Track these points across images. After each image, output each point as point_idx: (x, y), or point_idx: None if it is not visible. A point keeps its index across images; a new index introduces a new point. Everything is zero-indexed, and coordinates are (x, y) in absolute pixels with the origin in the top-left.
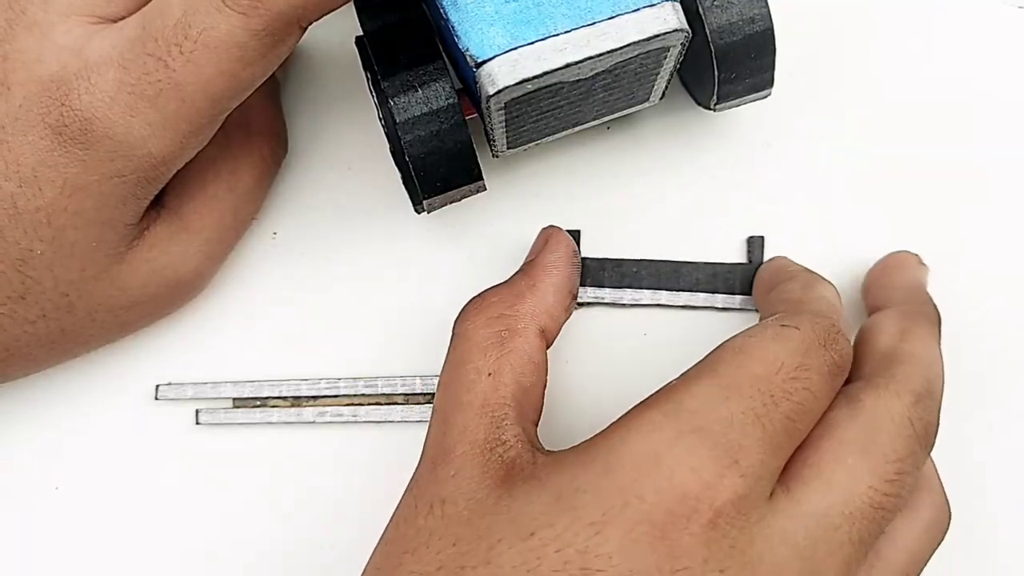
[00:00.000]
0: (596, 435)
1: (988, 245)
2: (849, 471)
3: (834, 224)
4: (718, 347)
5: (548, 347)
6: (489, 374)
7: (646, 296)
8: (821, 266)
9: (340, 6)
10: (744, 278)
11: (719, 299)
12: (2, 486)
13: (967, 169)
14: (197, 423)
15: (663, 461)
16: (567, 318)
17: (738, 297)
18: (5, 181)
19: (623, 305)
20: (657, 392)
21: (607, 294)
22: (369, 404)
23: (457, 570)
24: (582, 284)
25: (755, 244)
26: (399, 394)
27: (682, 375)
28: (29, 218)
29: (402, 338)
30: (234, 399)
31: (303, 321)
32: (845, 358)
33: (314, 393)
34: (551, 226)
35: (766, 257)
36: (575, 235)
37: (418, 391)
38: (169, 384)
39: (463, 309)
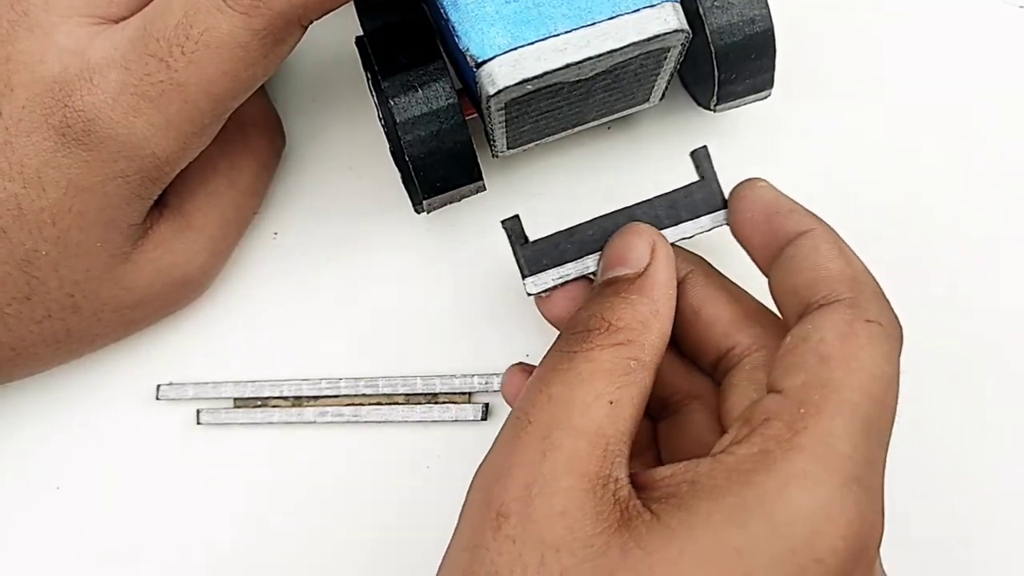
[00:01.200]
0: (715, 477)
1: (989, 245)
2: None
3: (834, 224)
4: (816, 355)
5: None
6: (610, 402)
7: None
8: None
9: (340, 5)
10: (704, 196)
11: (687, 228)
12: (3, 486)
13: (967, 168)
14: (198, 423)
15: (836, 521)
16: None
17: (704, 219)
18: (9, 182)
19: (588, 277)
20: (793, 429)
21: (571, 269)
22: (370, 404)
23: None
24: (540, 270)
25: (701, 157)
26: (400, 394)
27: (800, 399)
28: (34, 219)
29: (403, 338)
30: (235, 399)
31: (304, 321)
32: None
33: (315, 393)
34: (636, 225)
35: (716, 167)
36: (515, 222)
37: (419, 391)
38: (170, 384)
39: (577, 328)
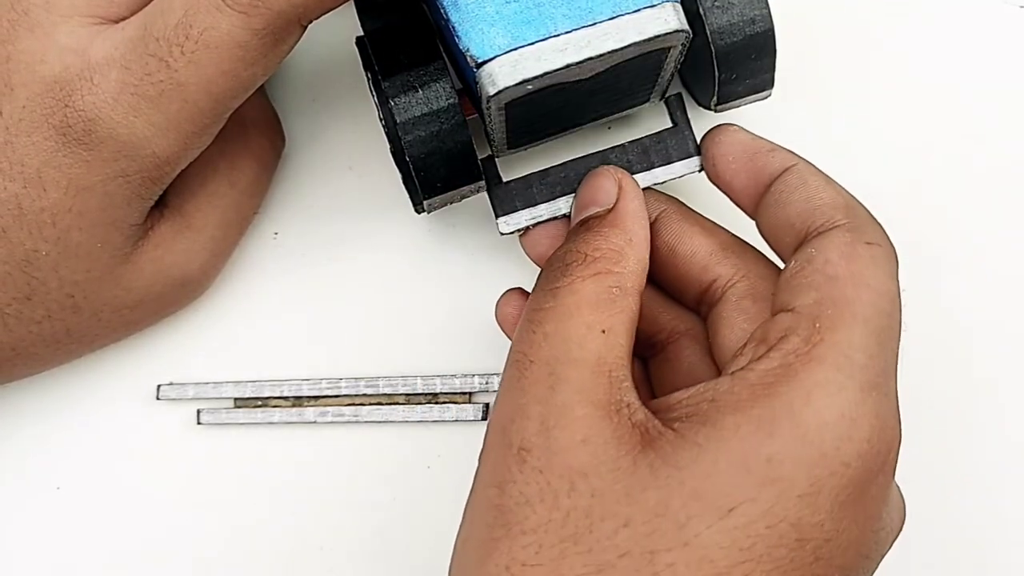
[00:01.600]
0: (738, 392)
1: (990, 244)
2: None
3: None
4: (823, 275)
5: None
6: (603, 331)
7: None
8: None
9: (340, 5)
10: (676, 143)
11: (659, 173)
12: (4, 486)
13: (968, 169)
14: (198, 423)
15: (859, 425)
16: None
17: (676, 165)
18: (10, 182)
19: (565, 216)
20: (810, 343)
21: (543, 210)
22: (370, 404)
23: (648, 555)
24: (512, 210)
25: (674, 104)
26: (400, 394)
27: (815, 315)
28: (34, 219)
29: (403, 338)
30: (235, 399)
31: (304, 321)
32: None
33: (315, 393)
34: (601, 167)
35: (690, 113)
36: (488, 162)
37: (419, 391)
38: (170, 384)
39: (554, 265)
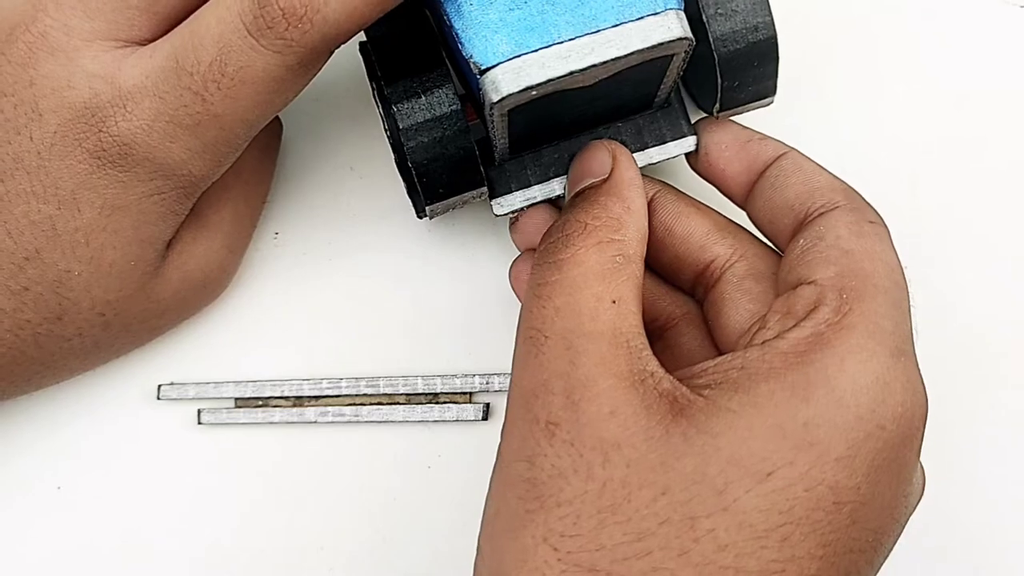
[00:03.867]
0: (771, 360)
1: (990, 244)
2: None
3: None
4: (838, 250)
5: None
6: (613, 301)
7: None
8: None
9: (366, 26)
10: (669, 123)
11: (653, 153)
12: (4, 486)
13: (968, 169)
14: (199, 423)
15: (892, 388)
16: None
17: (670, 145)
18: (44, 204)
19: (560, 197)
20: (839, 312)
21: (537, 192)
22: (371, 404)
23: (688, 522)
24: (507, 192)
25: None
26: (400, 394)
27: (839, 287)
28: (68, 239)
29: (404, 338)
30: (236, 399)
31: (305, 321)
32: None
33: (316, 393)
34: (594, 141)
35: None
36: (482, 143)
37: (420, 391)
38: (171, 384)
39: (554, 237)
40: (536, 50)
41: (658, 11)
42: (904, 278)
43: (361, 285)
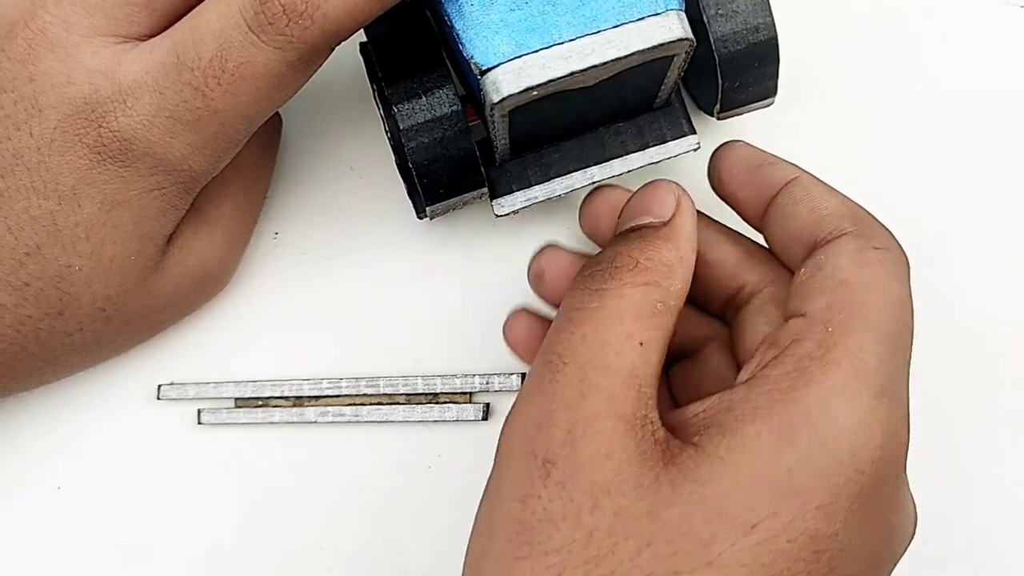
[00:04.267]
0: (756, 399)
1: (990, 244)
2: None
3: None
4: (834, 280)
5: None
6: (640, 343)
7: (578, 179)
8: None
9: (367, 23)
10: (669, 122)
11: (653, 153)
12: (4, 486)
13: (968, 169)
14: (199, 423)
15: (873, 432)
16: None
17: (671, 144)
18: (44, 200)
19: (559, 198)
20: (824, 347)
21: (539, 191)
22: (371, 404)
23: None
24: (508, 192)
25: None
26: (400, 394)
27: (826, 319)
28: (68, 234)
29: (403, 338)
30: (236, 399)
31: (305, 321)
32: None
33: (316, 393)
34: (661, 181)
35: (694, 120)
36: (484, 143)
37: (420, 391)
38: (171, 384)
39: (603, 266)
40: (537, 51)
41: (659, 12)
42: (905, 308)
43: (361, 285)
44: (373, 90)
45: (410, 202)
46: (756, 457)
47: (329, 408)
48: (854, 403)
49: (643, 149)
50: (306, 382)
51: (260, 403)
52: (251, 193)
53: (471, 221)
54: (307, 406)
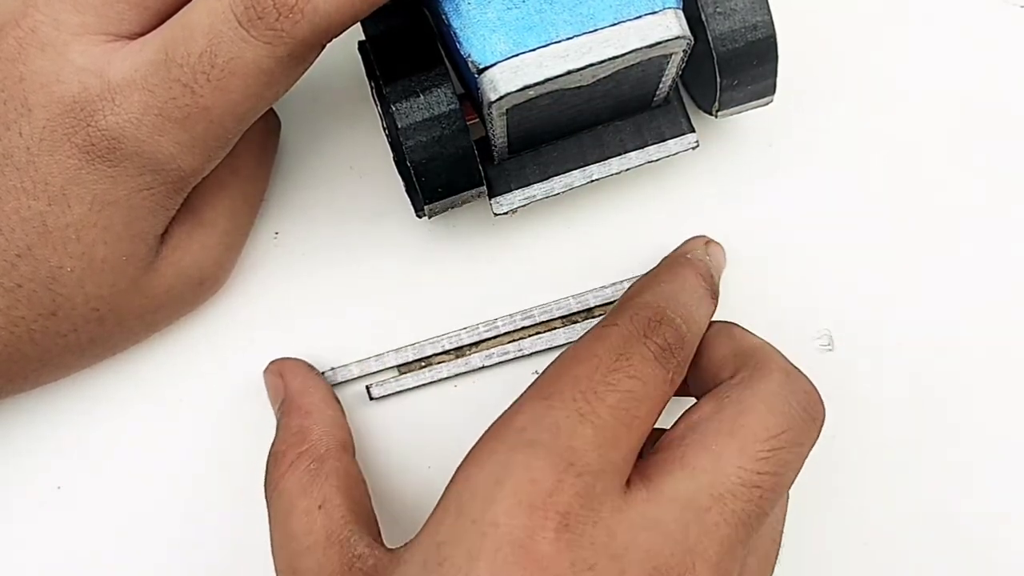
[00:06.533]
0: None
1: (990, 244)
2: (714, 455)
3: (837, 227)
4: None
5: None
6: (320, 506)
7: (577, 177)
8: (821, 266)
9: (358, 20)
10: (667, 120)
11: (652, 151)
12: (4, 486)
13: (968, 169)
14: (371, 399)
15: (504, 483)
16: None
17: (670, 143)
18: (34, 200)
19: (558, 195)
20: (492, 425)
21: (537, 190)
22: (531, 335)
23: None
24: (507, 191)
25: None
26: (556, 318)
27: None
28: (59, 235)
29: (404, 337)
30: (398, 366)
31: (305, 321)
32: (674, 339)
33: (475, 339)
34: (269, 367)
35: (693, 117)
36: (481, 143)
37: (574, 310)
38: (332, 369)
39: (264, 480)
40: (534, 49)
41: (656, 10)
42: (605, 373)
43: (360, 284)
44: (371, 89)
45: (409, 200)
46: (420, 546)
47: (492, 350)
48: (489, 461)
49: (642, 147)
50: (463, 331)
51: (423, 364)
52: (248, 195)
53: (470, 220)
54: (470, 354)
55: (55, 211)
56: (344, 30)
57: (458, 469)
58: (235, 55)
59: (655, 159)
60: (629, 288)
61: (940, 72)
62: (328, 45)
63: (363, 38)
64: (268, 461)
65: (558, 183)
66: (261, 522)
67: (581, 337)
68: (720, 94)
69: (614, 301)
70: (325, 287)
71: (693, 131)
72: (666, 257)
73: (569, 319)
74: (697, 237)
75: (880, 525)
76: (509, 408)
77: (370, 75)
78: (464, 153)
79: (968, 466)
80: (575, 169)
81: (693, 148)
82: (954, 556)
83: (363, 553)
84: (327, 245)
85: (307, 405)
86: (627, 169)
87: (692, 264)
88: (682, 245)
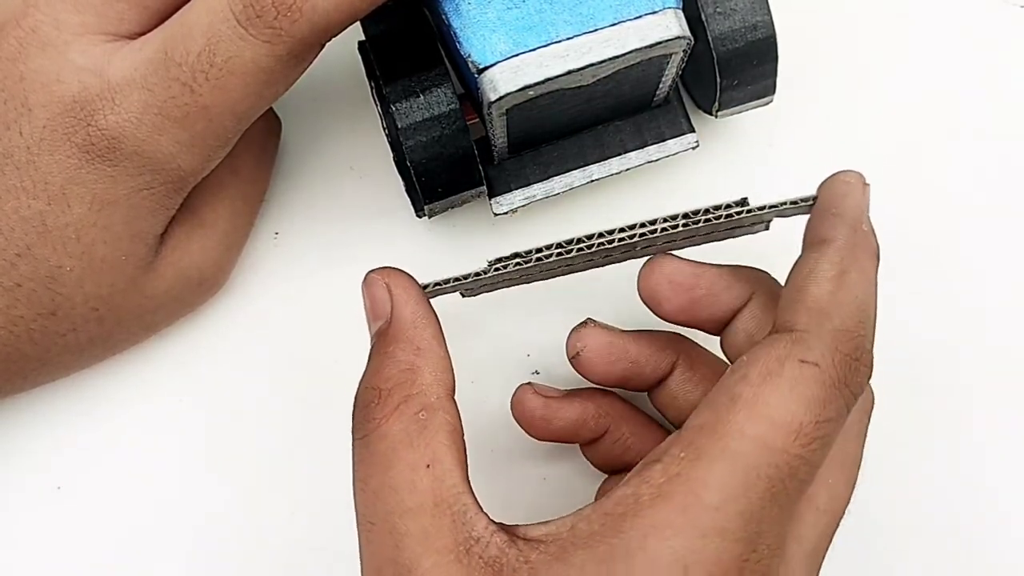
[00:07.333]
0: (593, 523)
1: (989, 244)
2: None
3: None
4: (728, 395)
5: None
6: (428, 465)
7: (577, 177)
8: None
9: (357, 20)
10: (667, 120)
11: (652, 151)
12: (4, 486)
13: (969, 169)
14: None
15: (691, 571)
16: None
17: (670, 142)
18: (34, 200)
19: (558, 195)
20: (666, 474)
21: (537, 190)
22: None
23: None
24: (507, 191)
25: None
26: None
27: (688, 441)
28: (59, 235)
29: None
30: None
31: (305, 321)
32: (864, 385)
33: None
34: (373, 276)
35: (693, 118)
36: (481, 143)
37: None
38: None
39: (357, 407)
40: (534, 49)
41: (656, 10)
42: (794, 440)
43: (361, 284)
44: (371, 89)
45: (409, 200)
46: None
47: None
48: (674, 540)
49: (642, 147)
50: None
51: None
52: (248, 196)
53: (470, 220)
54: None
55: (55, 210)
56: (343, 29)
57: (625, 518)
58: (234, 54)
59: (655, 159)
60: (808, 279)
61: (940, 72)
62: (328, 45)
63: (363, 38)
64: (365, 394)
65: (558, 183)
66: (261, 522)
67: (764, 361)
68: (720, 94)
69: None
70: (325, 287)
71: (693, 131)
72: (833, 210)
73: None
74: (855, 178)
75: (880, 525)
76: (688, 464)
77: (370, 75)
78: (464, 153)
79: (968, 466)
80: (575, 169)
81: (693, 148)
82: (954, 556)
83: (480, 537)
84: (327, 245)
85: (419, 339)
86: (627, 169)
87: (870, 243)
88: (842, 188)
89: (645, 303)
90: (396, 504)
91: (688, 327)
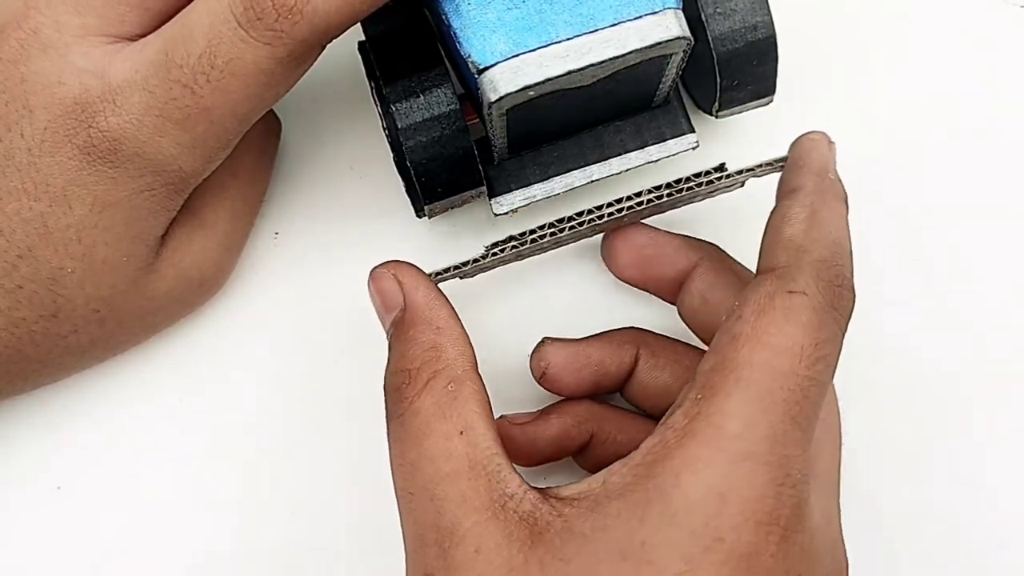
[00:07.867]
0: (625, 475)
1: (988, 244)
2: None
3: None
4: (729, 335)
5: None
6: (461, 432)
7: (577, 177)
8: None
9: (358, 21)
10: (667, 121)
11: (652, 151)
12: (3, 486)
13: (969, 168)
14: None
15: (728, 498)
16: None
17: (670, 143)
18: (35, 202)
19: (558, 195)
20: (688, 416)
21: (537, 190)
22: None
23: None
24: (507, 191)
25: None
26: None
27: (702, 383)
28: (60, 236)
29: None
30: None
31: (305, 321)
32: (852, 309)
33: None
34: (379, 271)
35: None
36: (481, 143)
37: None
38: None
39: (389, 391)
40: (534, 49)
41: (656, 10)
42: (799, 362)
43: (361, 284)
44: (371, 89)
45: (409, 200)
46: (614, 534)
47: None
48: (705, 472)
49: (642, 148)
50: None
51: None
52: (248, 197)
53: (470, 220)
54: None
55: (56, 212)
56: (343, 31)
57: (653, 464)
58: (235, 56)
59: (655, 159)
60: (783, 222)
61: (940, 72)
62: (328, 45)
63: (363, 38)
64: (394, 378)
65: (558, 183)
66: (262, 522)
67: (756, 297)
68: (720, 94)
69: None
70: (325, 287)
71: (693, 131)
72: (801, 163)
73: None
74: (820, 137)
75: (880, 524)
76: (705, 402)
77: (370, 75)
78: (464, 153)
79: (968, 466)
80: (575, 169)
81: (693, 148)
82: (955, 556)
83: (514, 493)
84: (327, 245)
85: (437, 319)
86: (627, 169)
87: (838, 189)
88: (808, 144)
89: (604, 261)
90: (434, 472)
91: (644, 289)
